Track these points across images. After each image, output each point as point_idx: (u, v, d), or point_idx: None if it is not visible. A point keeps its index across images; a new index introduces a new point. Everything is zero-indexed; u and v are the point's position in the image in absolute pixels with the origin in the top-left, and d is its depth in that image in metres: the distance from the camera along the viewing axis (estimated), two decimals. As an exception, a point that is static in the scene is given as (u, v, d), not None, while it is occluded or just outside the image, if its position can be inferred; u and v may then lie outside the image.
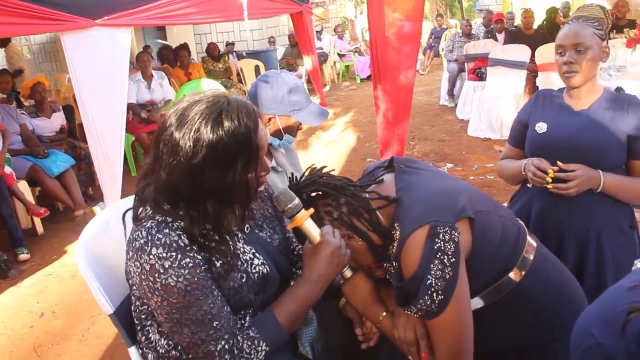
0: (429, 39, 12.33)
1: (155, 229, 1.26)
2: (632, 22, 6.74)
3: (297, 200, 1.41)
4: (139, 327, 1.47)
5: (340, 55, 12.44)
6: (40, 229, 4.67)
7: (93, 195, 5.38)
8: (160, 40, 13.45)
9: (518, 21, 8.73)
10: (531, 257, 1.51)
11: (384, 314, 1.50)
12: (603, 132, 1.93)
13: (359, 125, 7.71)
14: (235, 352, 1.31)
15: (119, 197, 5.02)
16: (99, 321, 3.15)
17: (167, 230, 1.26)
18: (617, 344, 0.78)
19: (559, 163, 1.90)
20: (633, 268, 0.99)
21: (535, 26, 7.64)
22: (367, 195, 1.50)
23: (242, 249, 1.41)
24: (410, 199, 1.42)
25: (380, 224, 1.47)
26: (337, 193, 1.49)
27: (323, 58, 11.49)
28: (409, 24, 3.93)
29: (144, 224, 1.29)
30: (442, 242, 1.30)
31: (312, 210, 1.44)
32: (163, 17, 5.51)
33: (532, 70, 6.39)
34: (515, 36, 7.19)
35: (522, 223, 1.64)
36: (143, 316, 1.43)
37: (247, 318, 1.40)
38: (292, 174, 1.62)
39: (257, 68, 9.51)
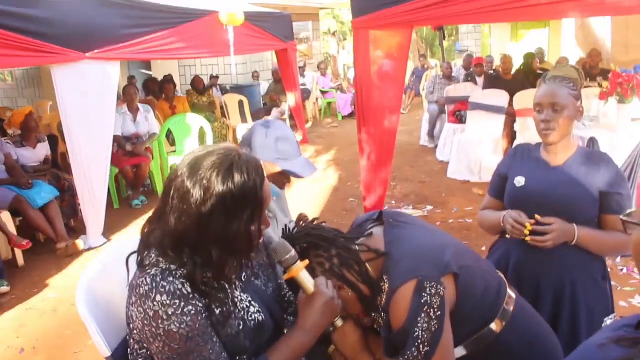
0: (410, 78, 12.62)
1: (160, 276, 1.32)
2: (605, 71, 7.02)
3: (293, 252, 1.48)
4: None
5: (323, 92, 12.64)
6: (21, 260, 4.65)
7: (75, 227, 5.38)
8: (144, 71, 13.56)
9: (497, 62, 9.02)
10: (511, 309, 1.60)
11: (376, 360, 1.57)
12: (577, 188, 2.04)
13: (341, 164, 7.82)
14: (232, 396, 1.37)
15: (102, 230, 5.05)
16: (81, 358, 3.15)
17: (171, 279, 1.32)
18: None
19: (536, 216, 2.00)
20: (603, 325, 1.08)
21: (513, 71, 7.89)
22: (357, 247, 1.58)
23: (239, 297, 1.47)
24: (399, 253, 1.50)
25: (369, 275, 1.55)
26: (329, 245, 1.57)
27: (306, 94, 11.67)
28: (394, 63, 4.05)
29: (149, 270, 1.34)
30: (429, 297, 1.38)
31: (307, 262, 1.51)
32: (151, 51, 5.62)
33: (511, 115, 6.58)
34: (494, 81, 7.42)
35: (502, 275, 1.73)
36: (140, 359, 1.48)
37: (243, 364, 1.46)
38: (286, 225, 1.69)
39: (241, 103, 9.62)
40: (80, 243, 4.81)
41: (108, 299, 1.66)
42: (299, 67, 11.75)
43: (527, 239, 2.00)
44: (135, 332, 1.41)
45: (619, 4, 3.16)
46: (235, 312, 1.43)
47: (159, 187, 6.47)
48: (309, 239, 1.59)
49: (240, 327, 1.43)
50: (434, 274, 1.42)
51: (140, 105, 6.52)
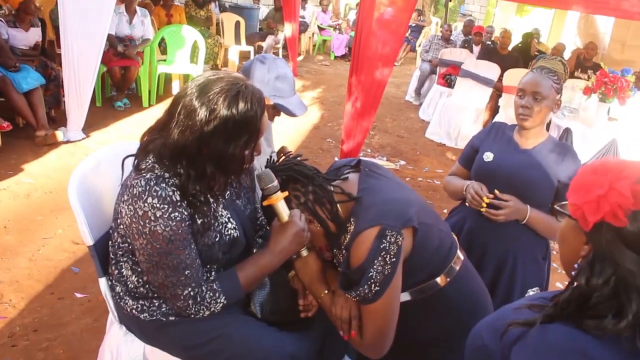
0: (407, 32, 12.59)
1: (154, 181, 1.45)
2: (597, 65, 7.16)
3: (275, 182, 1.62)
4: (113, 262, 1.67)
5: (320, 29, 12.53)
6: (-1, 142, 4.71)
7: (55, 117, 5.41)
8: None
9: (497, 34, 9.07)
10: (457, 268, 1.79)
11: (326, 291, 1.74)
12: (538, 173, 2.23)
13: (326, 103, 7.90)
14: (198, 299, 1.54)
15: (82, 124, 5.11)
16: (49, 244, 3.29)
17: (163, 185, 1.46)
18: (496, 347, 1.08)
19: (496, 191, 2.21)
20: (526, 295, 1.28)
21: (511, 47, 7.97)
22: (332, 188, 1.73)
23: (220, 213, 1.62)
24: (369, 201, 1.66)
25: (338, 215, 1.70)
26: (307, 181, 1.71)
27: (303, 27, 11.57)
28: (397, 14, 4.08)
29: (144, 174, 1.47)
30: (387, 243, 1.55)
31: (286, 193, 1.66)
32: None
33: (498, 89, 6.72)
34: (489, 52, 7.51)
35: (455, 237, 1.91)
36: (120, 252, 1.62)
37: (213, 272, 1.62)
38: (270, 156, 1.82)
39: (237, 24, 9.50)
40: (59, 134, 4.87)
41: (97, 194, 1.79)
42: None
43: (483, 210, 2.21)
44: (121, 227, 1.56)
45: (623, 8, 3.27)
46: (214, 225, 1.59)
47: (144, 93, 6.49)
48: (290, 172, 1.72)
49: (217, 239, 1.59)
50: (396, 224, 1.58)
51: (138, 8, 6.45)
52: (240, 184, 1.78)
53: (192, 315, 1.57)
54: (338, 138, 5.28)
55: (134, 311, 1.65)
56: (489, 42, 8.43)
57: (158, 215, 1.44)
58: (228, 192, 1.70)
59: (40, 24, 5.55)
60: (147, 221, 1.44)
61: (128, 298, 1.66)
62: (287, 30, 9.25)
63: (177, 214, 1.46)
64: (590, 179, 1.02)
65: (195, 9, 9.11)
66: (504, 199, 2.19)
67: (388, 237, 1.55)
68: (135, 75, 6.32)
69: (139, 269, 1.59)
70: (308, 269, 1.77)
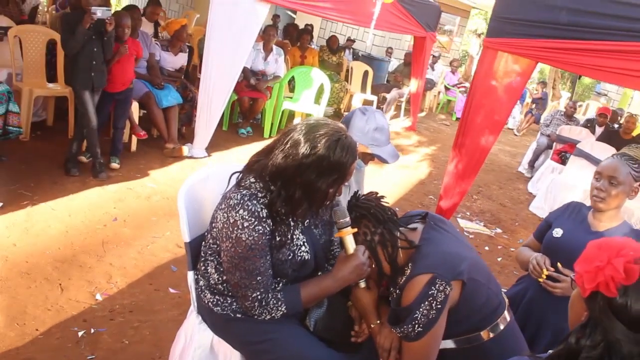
0: (532, 103, 12.51)
1: (248, 197, 1.75)
2: None
3: (347, 219, 1.87)
4: (202, 259, 1.97)
5: (447, 89, 12.73)
6: (134, 147, 5.35)
7: (185, 134, 6.03)
8: (290, 13, 14.14)
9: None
10: (501, 327, 1.92)
11: (377, 322, 1.94)
12: None
13: (437, 161, 8.04)
14: (263, 303, 1.79)
15: (207, 144, 5.64)
16: (157, 242, 3.72)
17: (254, 202, 1.74)
18: None
19: (558, 264, 2.29)
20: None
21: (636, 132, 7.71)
22: (398, 234, 1.94)
23: (297, 236, 1.88)
24: (427, 250, 1.85)
25: (396, 259, 1.91)
26: (377, 223, 1.94)
27: (429, 85, 11.84)
28: (510, 89, 4.23)
29: (242, 190, 1.78)
30: (436, 291, 1.73)
31: (355, 230, 1.89)
32: (297, 2, 5.98)
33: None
34: (610, 136, 7.33)
35: (506, 299, 2.03)
36: (209, 252, 1.92)
37: (281, 284, 1.88)
38: (356, 192, 2.06)
39: (366, 73, 9.94)
40: (185, 149, 5.43)
41: (200, 201, 2.12)
42: (433, 57, 11.91)
43: (540, 280, 2.31)
44: (214, 230, 1.86)
45: None
46: (289, 245, 1.85)
47: (267, 124, 7.02)
48: (365, 211, 1.96)
49: (289, 257, 1.85)
50: (447, 275, 1.76)
51: (274, 47, 7.02)
52: (320, 216, 2.03)
53: (255, 316, 1.83)
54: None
55: (210, 304, 1.94)
56: (614, 126, 8.19)
57: (245, 226, 1.72)
58: (308, 221, 1.95)
59: (188, 50, 6.25)
60: (235, 228, 1.73)
61: (207, 292, 1.95)
62: (413, 85, 9.52)
63: (260, 227, 1.74)
64: (594, 252, 1.17)
65: (329, 54, 9.69)
66: (565, 274, 2.26)
67: (437, 285, 1.73)
68: (261, 107, 6.86)
69: (222, 269, 1.88)
70: (364, 299, 1.98)
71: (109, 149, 4.84)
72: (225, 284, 1.90)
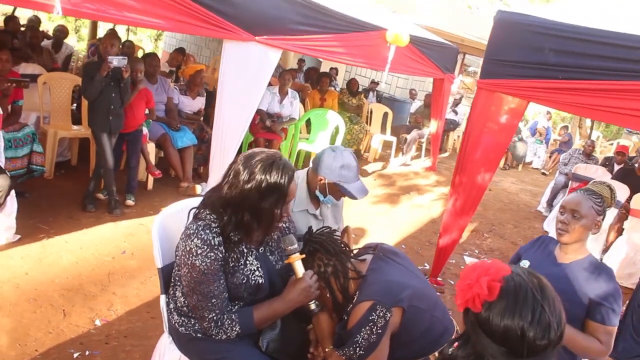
0: (560, 143, 12.51)
1: (202, 227, 1.94)
2: None
3: (295, 246, 2.04)
4: (172, 284, 2.17)
5: (470, 129, 12.79)
6: (150, 185, 5.65)
7: (201, 174, 6.31)
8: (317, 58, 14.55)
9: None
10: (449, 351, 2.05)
11: (331, 347, 2.09)
12: (571, 288, 2.37)
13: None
14: (219, 324, 1.97)
15: (220, 183, 5.89)
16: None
17: (207, 231, 1.94)
18: None
19: None
20: None
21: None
22: (349, 264, 2.11)
23: (250, 262, 2.06)
24: (372, 279, 2.02)
25: (347, 289, 2.08)
26: (330, 256, 2.11)
27: (452, 125, 11.98)
28: (503, 128, 4.36)
29: (198, 221, 1.98)
30: (376, 316, 1.89)
31: (303, 255, 2.06)
32: (312, 48, 6.23)
33: (626, 210, 6.53)
34: (626, 174, 7.30)
35: (456, 325, 2.16)
36: (177, 278, 2.12)
37: (236, 307, 2.05)
38: (310, 227, 2.25)
39: (385, 115, 10.16)
40: (198, 188, 5.69)
41: (172, 232, 2.32)
42: (456, 99, 12.07)
43: None
44: (177, 257, 2.06)
45: None
46: (242, 270, 2.02)
47: (282, 165, 7.24)
48: (317, 245, 2.13)
49: (244, 281, 2.03)
50: (387, 302, 1.92)
51: (289, 90, 7.31)
52: (278, 244, 2.21)
53: (213, 336, 2.00)
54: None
55: (176, 324, 2.13)
56: (630, 164, 8.16)
57: (199, 253, 1.92)
58: (262, 248, 2.14)
59: (205, 94, 6.59)
60: (190, 255, 1.93)
61: (175, 314, 2.14)
62: (433, 126, 9.68)
63: (212, 254, 1.93)
64: (469, 272, 1.32)
65: (349, 97, 9.96)
66: None
67: (378, 311, 1.90)
68: (277, 148, 7.11)
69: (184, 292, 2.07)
70: (323, 324, 2.15)
71: (124, 188, 5.13)
72: (189, 306, 2.09)
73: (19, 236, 3.99)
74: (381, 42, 7.26)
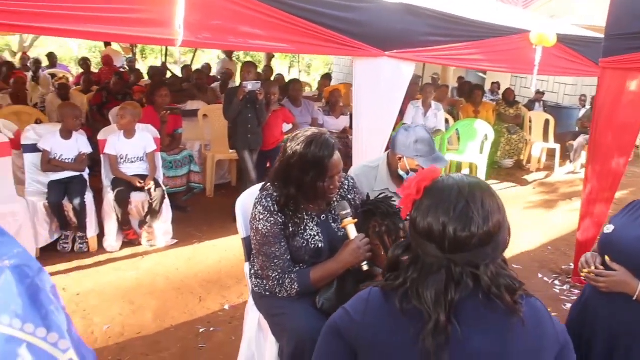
0: None
1: (264, 196, 2.25)
2: None
3: (348, 211, 2.24)
4: (253, 252, 2.50)
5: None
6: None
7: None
8: (480, 74, 14.38)
9: None
10: None
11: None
12: None
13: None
14: (281, 282, 2.23)
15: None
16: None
17: (269, 199, 2.23)
18: None
19: (606, 257, 2.19)
20: None
21: None
22: (402, 225, 2.27)
23: (311, 227, 2.30)
24: None
25: None
26: (384, 217, 2.29)
27: (630, 128, 11.02)
28: (635, 107, 4.12)
29: (262, 192, 2.29)
30: None
31: (355, 220, 2.25)
32: (447, 58, 6.29)
33: None
34: None
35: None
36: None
37: (297, 268, 2.30)
38: (367, 194, 2.44)
39: (546, 122, 9.71)
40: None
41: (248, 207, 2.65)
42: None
43: (582, 274, 2.25)
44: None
45: None
46: (302, 235, 2.27)
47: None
48: (372, 207, 2.33)
49: (304, 245, 2.27)
50: None
51: (433, 103, 7.43)
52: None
53: (277, 294, 2.27)
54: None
55: (253, 286, 2.44)
56: None
57: (260, 218, 2.22)
58: (324, 216, 2.37)
59: (349, 114, 6.96)
60: (254, 221, 2.24)
61: (253, 277, 2.46)
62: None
63: (272, 219, 2.21)
64: (411, 179, 1.39)
65: (505, 107, 9.72)
66: (613, 268, 2.14)
67: None
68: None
69: (254, 255, 2.38)
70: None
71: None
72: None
73: (175, 240, 4.67)
74: (525, 44, 7.00)
